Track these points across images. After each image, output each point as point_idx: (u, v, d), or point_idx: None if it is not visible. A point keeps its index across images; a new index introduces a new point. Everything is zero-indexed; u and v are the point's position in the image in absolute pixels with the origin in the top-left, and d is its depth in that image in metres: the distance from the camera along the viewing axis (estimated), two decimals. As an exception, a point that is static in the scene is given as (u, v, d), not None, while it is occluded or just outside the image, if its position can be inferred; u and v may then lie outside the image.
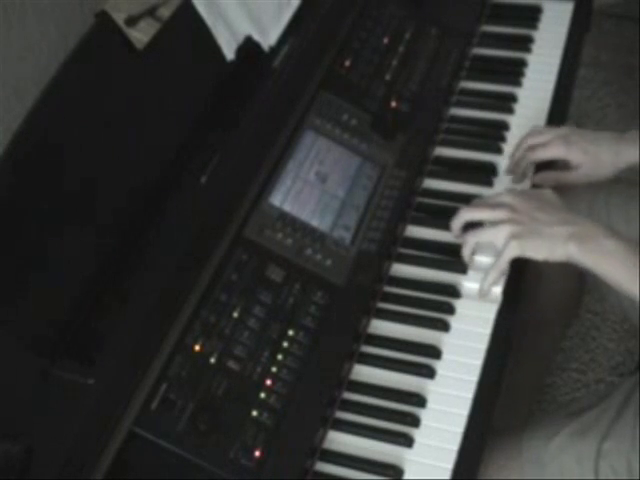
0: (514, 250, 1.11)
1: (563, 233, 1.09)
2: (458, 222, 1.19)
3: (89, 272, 1.03)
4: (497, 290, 1.15)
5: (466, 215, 1.18)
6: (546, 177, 1.30)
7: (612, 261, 1.07)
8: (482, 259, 1.18)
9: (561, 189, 1.27)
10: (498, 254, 1.13)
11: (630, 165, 1.28)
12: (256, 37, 1.27)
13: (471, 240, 1.16)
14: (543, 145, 1.28)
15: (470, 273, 1.19)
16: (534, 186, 1.29)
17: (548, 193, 1.17)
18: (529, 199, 1.15)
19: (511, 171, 1.31)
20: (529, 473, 1.21)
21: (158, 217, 1.11)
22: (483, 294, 1.15)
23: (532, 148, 1.29)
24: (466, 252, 1.17)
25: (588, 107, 2.41)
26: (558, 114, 1.41)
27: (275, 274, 1.08)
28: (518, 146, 1.31)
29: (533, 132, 1.32)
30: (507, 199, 1.15)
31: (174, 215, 1.11)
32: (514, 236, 1.11)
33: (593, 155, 1.27)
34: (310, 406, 1.03)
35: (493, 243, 1.14)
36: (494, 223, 1.14)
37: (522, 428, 1.25)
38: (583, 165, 1.28)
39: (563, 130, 1.30)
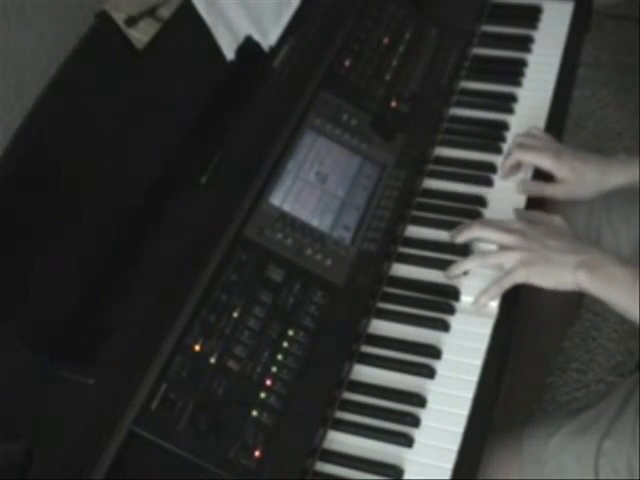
0: (521, 277, 1.12)
1: (572, 261, 1.10)
2: (465, 237, 1.19)
3: (89, 272, 1.03)
4: (493, 305, 1.15)
5: (478, 233, 1.18)
6: (530, 186, 1.30)
7: (620, 288, 1.08)
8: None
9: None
10: (503, 274, 1.13)
11: (614, 189, 1.27)
12: (256, 37, 1.27)
13: (477, 262, 1.16)
14: (533, 149, 1.28)
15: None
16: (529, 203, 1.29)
17: (557, 219, 1.18)
18: (539, 226, 1.16)
19: (502, 165, 1.32)
20: (529, 471, 1.21)
21: (158, 217, 1.11)
22: (479, 307, 1.15)
23: (522, 146, 1.29)
24: (460, 270, 1.17)
25: (588, 107, 2.41)
26: (558, 114, 1.41)
27: (275, 274, 1.08)
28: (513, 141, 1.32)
29: (530, 131, 1.32)
30: (517, 225, 1.16)
31: (174, 215, 1.11)
32: (524, 263, 1.12)
33: (580, 174, 1.26)
34: (310, 406, 1.03)
35: (501, 265, 1.14)
36: (504, 247, 1.14)
37: (522, 426, 1.25)
38: (568, 182, 1.27)
39: (557, 145, 1.30)
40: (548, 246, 1.12)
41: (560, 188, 1.28)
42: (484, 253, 1.17)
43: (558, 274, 1.11)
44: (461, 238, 1.19)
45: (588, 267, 1.09)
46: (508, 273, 1.13)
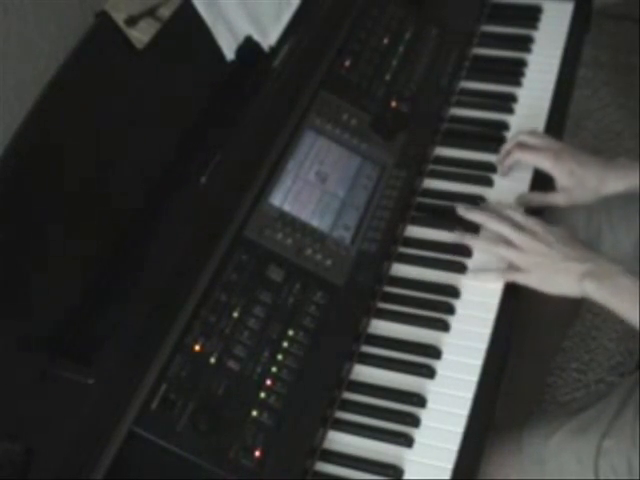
0: (525, 280, 1.14)
1: (579, 270, 1.11)
2: (477, 218, 1.20)
3: (89, 272, 1.03)
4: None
5: (491, 224, 1.18)
6: (531, 197, 1.29)
7: (627, 299, 1.09)
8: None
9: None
10: (508, 267, 1.15)
11: (613, 194, 1.27)
12: (256, 37, 1.27)
13: (485, 246, 1.19)
14: (534, 149, 1.28)
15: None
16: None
17: (562, 230, 1.18)
18: (551, 230, 1.16)
19: (499, 161, 1.32)
20: (529, 470, 1.21)
21: (158, 217, 1.11)
22: (476, 280, 1.17)
23: (522, 146, 1.29)
24: (472, 243, 1.19)
25: (588, 107, 2.41)
26: (558, 114, 1.41)
27: (275, 274, 1.08)
28: (511, 139, 1.32)
29: (530, 132, 1.31)
30: (531, 224, 1.17)
31: (174, 215, 1.11)
32: (531, 269, 1.13)
33: (579, 178, 1.26)
34: (310, 406, 1.03)
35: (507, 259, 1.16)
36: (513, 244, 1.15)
37: (522, 426, 1.25)
38: (566, 186, 1.27)
39: (557, 145, 1.29)
40: (557, 250, 1.13)
41: (560, 196, 1.28)
42: (494, 240, 1.18)
43: (562, 282, 1.12)
44: (471, 216, 1.21)
45: (595, 276, 1.10)
46: (513, 271, 1.15)
